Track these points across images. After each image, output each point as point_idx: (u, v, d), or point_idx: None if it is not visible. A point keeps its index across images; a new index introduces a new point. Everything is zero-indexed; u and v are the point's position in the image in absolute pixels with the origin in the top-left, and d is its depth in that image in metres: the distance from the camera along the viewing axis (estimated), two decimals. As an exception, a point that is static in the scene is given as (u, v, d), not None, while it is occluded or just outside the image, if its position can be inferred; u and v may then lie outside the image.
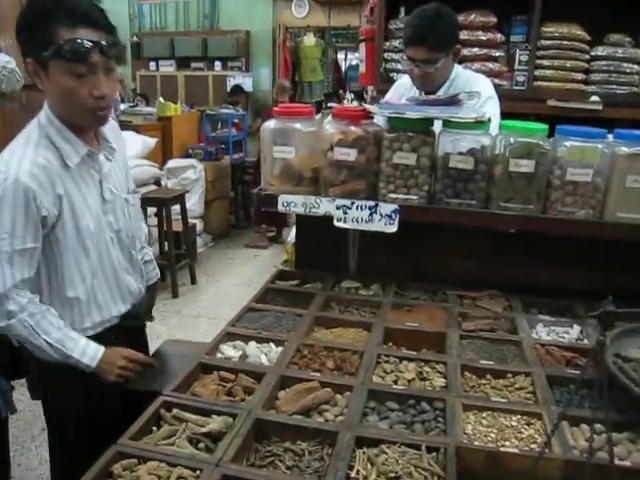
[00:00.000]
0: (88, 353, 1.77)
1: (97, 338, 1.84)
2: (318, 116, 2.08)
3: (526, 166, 1.91)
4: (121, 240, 1.93)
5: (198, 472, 1.25)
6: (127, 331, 1.98)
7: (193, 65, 9.47)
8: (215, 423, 1.40)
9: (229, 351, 1.78)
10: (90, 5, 1.65)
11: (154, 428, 1.42)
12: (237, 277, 6.27)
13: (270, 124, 2.11)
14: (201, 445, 1.37)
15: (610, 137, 1.98)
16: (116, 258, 1.91)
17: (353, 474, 1.26)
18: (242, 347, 1.81)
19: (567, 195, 1.96)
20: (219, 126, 8.28)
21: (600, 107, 3.65)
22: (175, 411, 1.46)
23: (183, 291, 5.85)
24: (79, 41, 1.57)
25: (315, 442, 1.40)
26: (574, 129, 1.95)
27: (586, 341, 1.96)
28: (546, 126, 1.96)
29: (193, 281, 6.06)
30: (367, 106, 2.08)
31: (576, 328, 2.03)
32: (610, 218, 1.97)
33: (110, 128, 1.92)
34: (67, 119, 1.72)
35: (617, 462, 1.29)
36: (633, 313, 1.03)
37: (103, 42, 1.61)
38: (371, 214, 2.00)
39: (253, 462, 1.35)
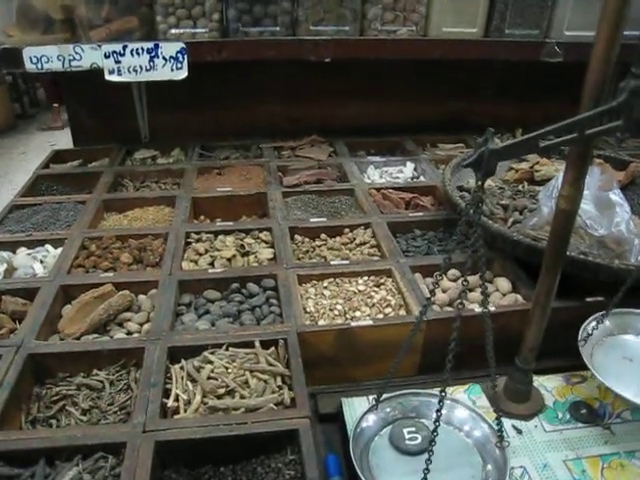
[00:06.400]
0: None
1: None
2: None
3: (335, -25, 1.56)
4: None
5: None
6: None
7: None
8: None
9: (-12, 267, 1.32)
10: None
11: None
12: (35, 172, 5.38)
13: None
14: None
15: None
16: None
17: (170, 402, 0.94)
18: (8, 258, 1.35)
19: (387, 11, 1.66)
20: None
21: None
22: None
23: (-28, 205, 4.91)
24: None
25: (117, 367, 1.05)
26: None
27: (422, 178, 1.75)
28: None
29: (-18, 190, 5.12)
30: None
31: (409, 165, 1.81)
32: (435, 34, 1.71)
33: None
34: None
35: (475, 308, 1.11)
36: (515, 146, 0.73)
37: None
38: (152, 59, 1.54)
39: (35, 416, 0.98)
